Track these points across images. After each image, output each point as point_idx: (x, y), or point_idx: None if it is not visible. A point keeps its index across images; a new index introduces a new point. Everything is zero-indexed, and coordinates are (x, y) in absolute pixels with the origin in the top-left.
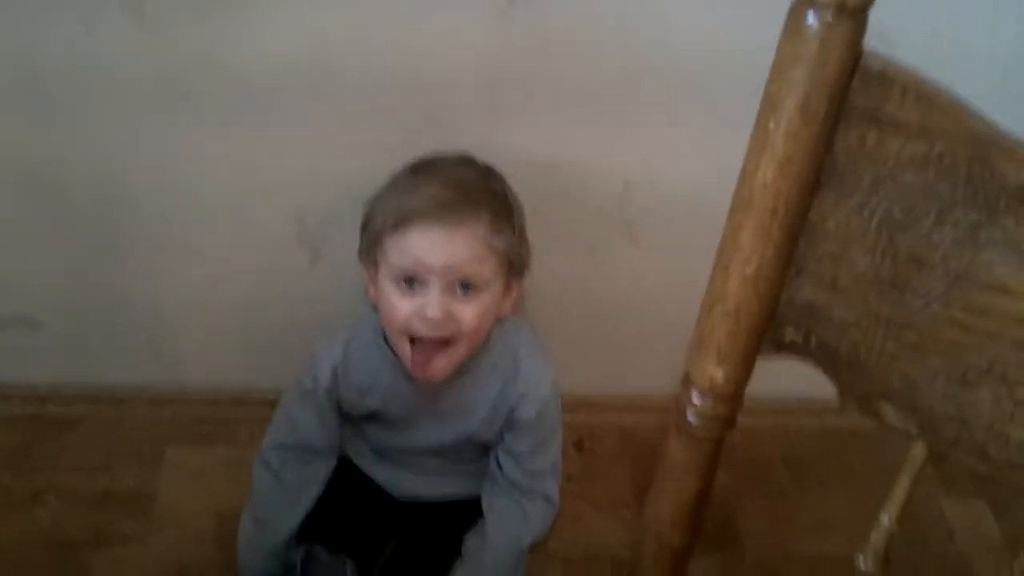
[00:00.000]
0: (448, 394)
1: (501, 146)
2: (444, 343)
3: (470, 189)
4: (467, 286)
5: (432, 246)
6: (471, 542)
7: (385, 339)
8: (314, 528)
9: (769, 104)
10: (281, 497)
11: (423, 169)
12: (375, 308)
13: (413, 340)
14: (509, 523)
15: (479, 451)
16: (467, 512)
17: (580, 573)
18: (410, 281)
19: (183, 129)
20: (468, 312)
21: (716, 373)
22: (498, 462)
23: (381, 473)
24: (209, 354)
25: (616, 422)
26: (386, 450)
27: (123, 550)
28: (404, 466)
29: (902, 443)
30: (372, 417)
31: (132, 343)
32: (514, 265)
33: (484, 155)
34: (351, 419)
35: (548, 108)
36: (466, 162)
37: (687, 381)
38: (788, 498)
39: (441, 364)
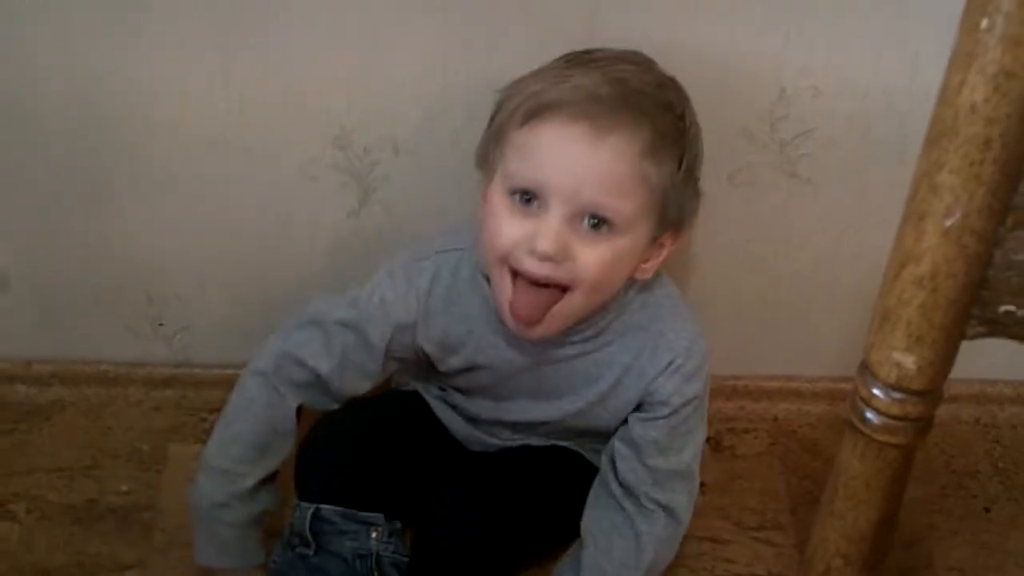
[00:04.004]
0: (561, 364)
1: (610, 35)
2: (553, 289)
3: (635, 91)
4: (599, 221)
5: (564, 153)
6: (563, 570)
7: (488, 278)
8: (332, 480)
9: None
10: (271, 415)
11: (581, 60)
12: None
13: (515, 276)
14: (614, 548)
15: (593, 439)
16: (567, 461)
17: None
18: (528, 198)
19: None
20: (590, 256)
21: (905, 360)
22: (613, 459)
23: (451, 421)
24: (224, 322)
25: (765, 412)
26: (460, 411)
27: None
28: (483, 431)
29: None
30: (448, 375)
31: (125, 307)
32: (669, 215)
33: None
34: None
35: None
36: (638, 61)
37: (866, 369)
38: (999, 518)
39: (542, 314)
